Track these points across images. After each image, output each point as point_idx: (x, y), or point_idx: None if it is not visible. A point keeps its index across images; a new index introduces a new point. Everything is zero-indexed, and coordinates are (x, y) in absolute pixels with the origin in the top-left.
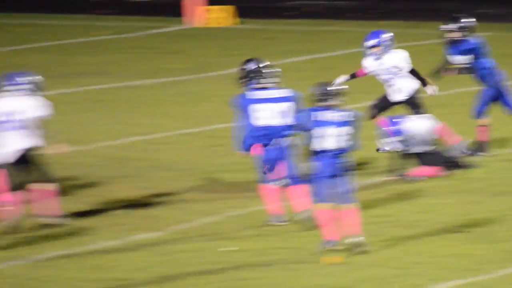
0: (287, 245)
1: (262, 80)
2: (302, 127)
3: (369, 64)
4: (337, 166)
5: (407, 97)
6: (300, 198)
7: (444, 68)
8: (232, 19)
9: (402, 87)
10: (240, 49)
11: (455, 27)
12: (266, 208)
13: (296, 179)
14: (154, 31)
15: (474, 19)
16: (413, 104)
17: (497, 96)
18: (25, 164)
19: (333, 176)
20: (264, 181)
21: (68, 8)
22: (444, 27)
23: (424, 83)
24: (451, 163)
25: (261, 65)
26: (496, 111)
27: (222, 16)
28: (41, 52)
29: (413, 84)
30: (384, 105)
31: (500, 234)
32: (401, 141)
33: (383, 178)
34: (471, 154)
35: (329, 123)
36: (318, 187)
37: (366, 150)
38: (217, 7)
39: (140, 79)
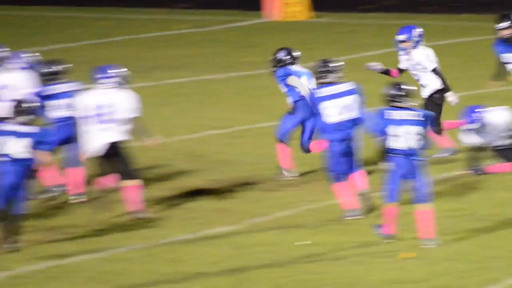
0: (362, 239)
1: (329, 75)
2: (375, 127)
3: (401, 58)
4: (410, 165)
5: (426, 96)
6: (360, 181)
7: (503, 70)
8: (308, 12)
9: (425, 84)
10: (317, 43)
11: (507, 24)
12: (340, 202)
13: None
14: (232, 25)
15: None
16: (430, 105)
17: None
18: (113, 157)
19: (406, 175)
20: (336, 176)
21: (147, 2)
22: (499, 25)
23: (446, 88)
24: None
25: (329, 61)
26: None
27: (298, 9)
28: (119, 46)
29: (434, 83)
30: (433, 109)
31: None
32: (480, 134)
33: (460, 172)
34: None
35: (401, 122)
36: (390, 186)
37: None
38: (293, 0)
39: (217, 73)
